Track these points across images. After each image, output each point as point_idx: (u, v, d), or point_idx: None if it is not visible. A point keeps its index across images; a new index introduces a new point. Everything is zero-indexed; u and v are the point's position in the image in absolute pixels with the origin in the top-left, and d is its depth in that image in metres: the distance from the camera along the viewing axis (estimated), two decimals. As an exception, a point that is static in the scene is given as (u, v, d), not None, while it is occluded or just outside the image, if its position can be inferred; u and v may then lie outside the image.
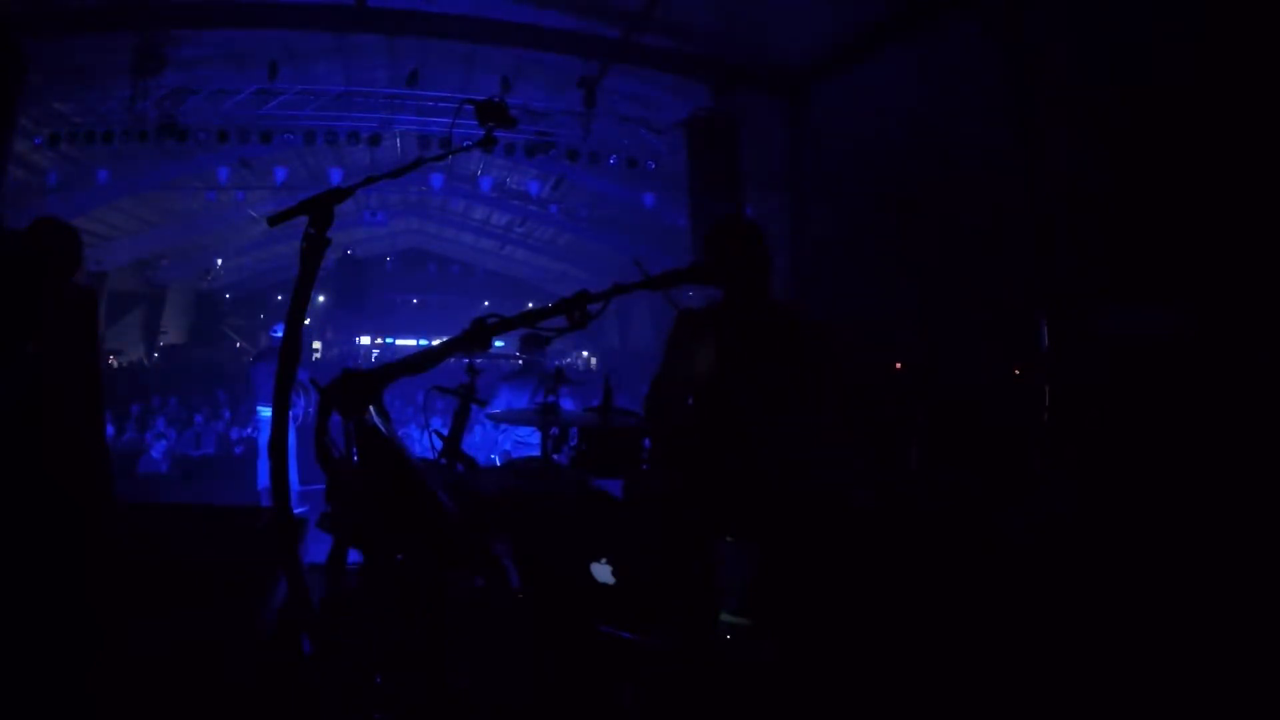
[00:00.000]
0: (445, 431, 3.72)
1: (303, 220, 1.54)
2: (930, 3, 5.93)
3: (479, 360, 3.88)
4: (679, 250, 10.94)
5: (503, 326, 1.60)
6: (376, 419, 1.54)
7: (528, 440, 5.71)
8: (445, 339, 1.61)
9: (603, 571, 2.20)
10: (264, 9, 7.73)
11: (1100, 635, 2.91)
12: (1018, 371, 6.04)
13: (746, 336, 3.01)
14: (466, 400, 3.84)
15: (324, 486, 1.66)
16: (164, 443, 10.50)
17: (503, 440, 6.18)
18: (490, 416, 4.42)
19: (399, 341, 25.59)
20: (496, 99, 1.91)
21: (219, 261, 18.12)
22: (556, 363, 5.28)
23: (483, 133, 1.92)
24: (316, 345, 18.96)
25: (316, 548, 2.10)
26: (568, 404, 5.47)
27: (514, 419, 6.19)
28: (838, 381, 3.13)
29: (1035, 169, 5.35)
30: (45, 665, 1.40)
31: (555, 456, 4.08)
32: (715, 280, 3.16)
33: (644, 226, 13.84)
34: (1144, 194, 4.93)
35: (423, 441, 5.02)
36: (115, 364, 15.91)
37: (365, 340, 26.08)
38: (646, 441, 4.10)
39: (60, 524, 1.49)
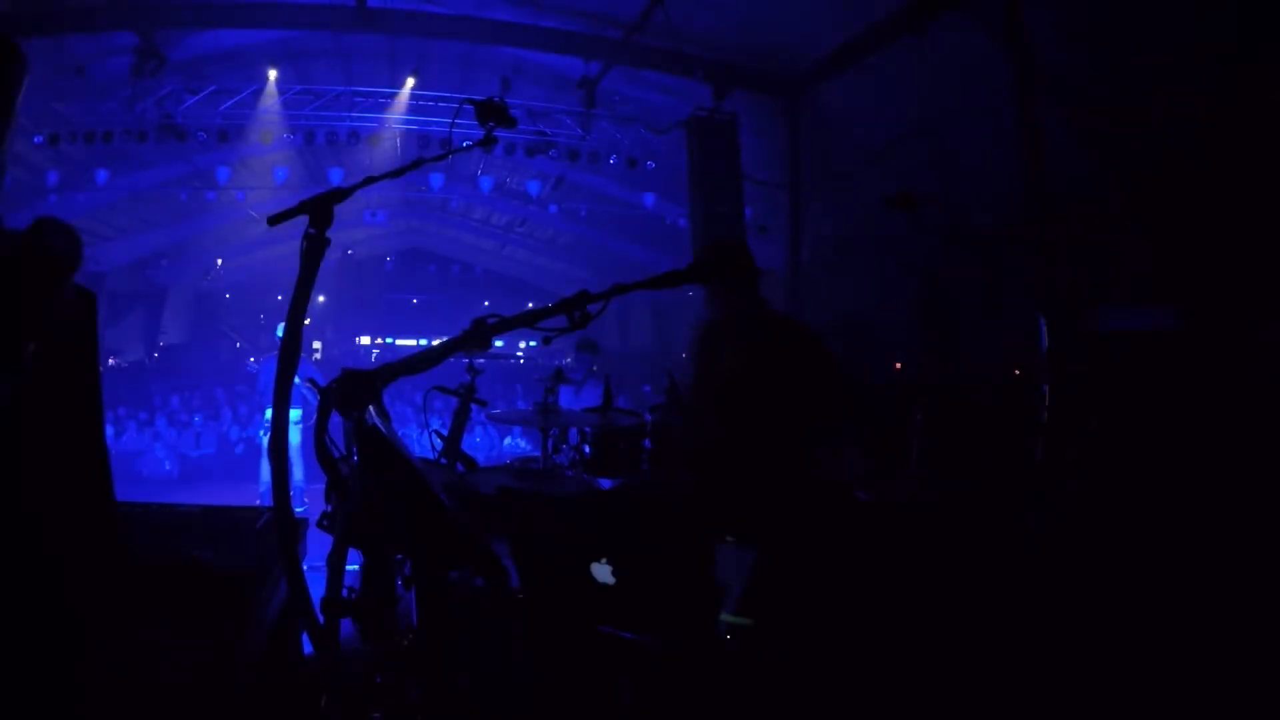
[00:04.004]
0: (445, 431, 3.72)
1: (303, 220, 1.53)
2: (930, 3, 5.93)
3: (479, 360, 3.88)
4: (679, 250, 10.94)
5: (503, 326, 1.60)
6: (376, 419, 1.54)
7: None
8: (445, 339, 1.61)
9: (603, 571, 2.20)
10: (264, 9, 7.73)
11: (1106, 631, 2.91)
12: (1018, 371, 6.04)
13: (749, 348, 3.06)
14: (466, 400, 3.84)
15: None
16: (163, 443, 10.51)
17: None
18: (490, 417, 4.42)
19: (399, 341, 25.58)
20: (496, 99, 1.91)
21: (219, 261, 18.09)
22: (556, 363, 5.29)
23: (483, 133, 1.92)
24: (317, 345, 18.93)
25: (316, 548, 2.10)
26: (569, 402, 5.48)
27: (513, 419, 6.17)
28: (837, 390, 3.17)
29: (1035, 168, 5.35)
30: (41, 667, 1.39)
31: (556, 457, 4.08)
32: (713, 281, 3.21)
33: (644, 226, 13.83)
34: (1143, 193, 4.93)
35: (423, 441, 5.02)
36: (115, 364, 15.91)
37: (365, 340, 26.08)
38: (647, 442, 4.10)
39: (59, 526, 1.49)
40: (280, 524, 1.48)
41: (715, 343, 3.27)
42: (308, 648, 1.58)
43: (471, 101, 1.92)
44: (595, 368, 6.15)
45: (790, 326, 3.23)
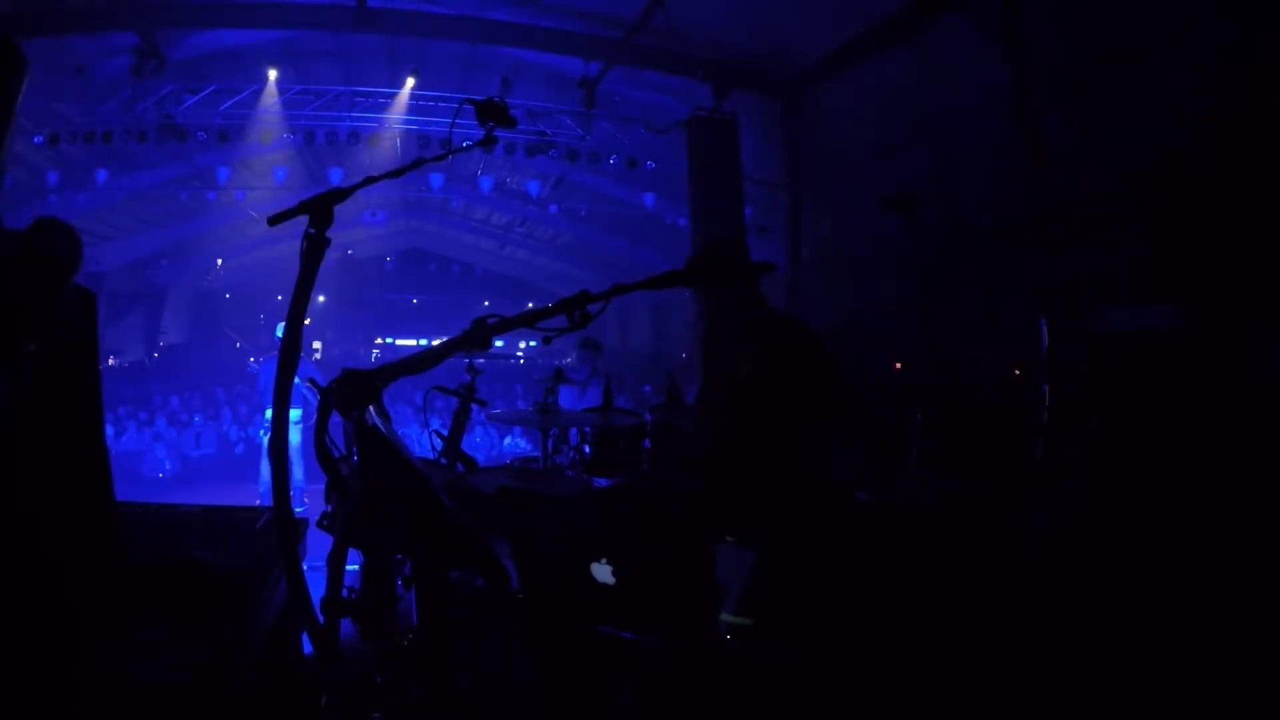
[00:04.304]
0: (445, 431, 3.72)
1: (303, 220, 1.53)
2: (929, 4, 5.92)
3: (479, 360, 3.88)
4: (679, 250, 10.94)
5: (503, 326, 1.60)
6: (376, 419, 1.54)
7: None
8: (445, 339, 1.61)
9: (603, 571, 2.20)
10: (264, 9, 7.73)
11: (1106, 631, 2.91)
12: (1017, 371, 6.04)
13: (758, 348, 3.02)
14: (466, 400, 3.84)
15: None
16: (163, 443, 10.52)
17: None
18: (490, 417, 4.42)
19: (399, 341, 25.57)
20: (496, 99, 1.91)
21: (219, 261, 18.10)
22: (557, 363, 5.30)
23: (483, 133, 1.92)
24: (317, 345, 18.94)
25: (316, 548, 2.10)
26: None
27: (513, 419, 6.17)
28: (837, 389, 3.13)
29: (1035, 168, 5.35)
30: (41, 667, 1.39)
31: (556, 457, 4.09)
32: (714, 280, 3.19)
33: (644, 226, 13.84)
34: (1143, 193, 4.93)
35: (423, 441, 5.03)
36: (115, 364, 15.91)
37: (365, 340, 26.06)
38: (647, 442, 4.10)
39: (59, 526, 1.49)
40: (280, 524, 1.48)
41: (721, 345, 3.24)
42: (308, 648, 1.58)
43: (471, 101, 1.92)
44: (598, 366, 6.14)
45: (791, 325, 3.20)
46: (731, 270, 2.97)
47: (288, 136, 9.35)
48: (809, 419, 3.02)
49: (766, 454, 2.93)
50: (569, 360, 6.18)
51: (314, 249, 1.52)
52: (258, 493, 7.65)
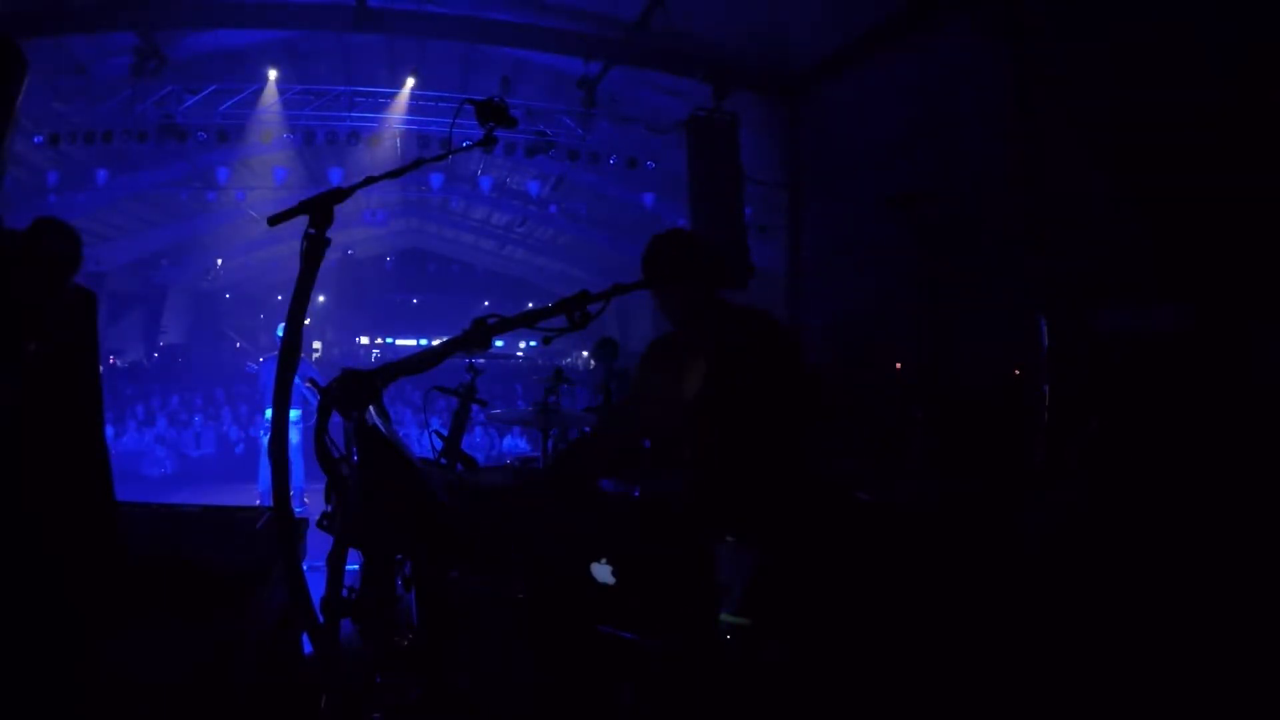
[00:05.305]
0: (445, 431, 3.72)
1: (303, 220, 1.53)
2: (930, 4, 5.92)
3: (479, 360, 3.88)
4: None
5: (503, 326, 1.60)
6: (376, 419, 1.54)
7: None
8: (445, 339, 1.61)
9: (603, 571, 2.20)
10: (264, 9, 7.73)
11: (1106, 631, 2.91)
12: (1017, 371, 6.03)
13: (696, 351, 2.84)
14: (467, 400, 3.84)
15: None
16: (163, 443, 10.53)
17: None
18: (490, 417, 4.42)
19: (399, 341, 25.60)
20: (496, 99, 1.91)
21: (219, 261, 18.11)
22: (556, 363, 5.30)
23: (483, 133, 1.92)
24: (317, 345, 18.94)
25: (316, 548, 2.10)
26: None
27: (513, 419, 6.17)
28: (816, 388, 2.99)
29: (1035, 167, 5.35)
30: (39, 667, 1.39)
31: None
32: (716, 280, 3.16)
33: (644, 226, 13.84)
34: (1143, 192, 4.93)
35: (423, 441, 5.03)
36: (115, 364, 15.91)
37: (365, 340, 26.08)
38: (646, 442, 4.09)
39: (59, 526, 1.49)
40: (280, 524, 1.48)
41: (678, 346, 3.00)
42: (308, 648, 1.58)
43: (471, 101, 1.92)
44: (613, 367, 6.05)
45: (749, 320, 2.94)
46: (736, 269, 2.92)
47: (288, 136, 9.35)
48: (781, 414, 2.90)
49: (759, 456, 2.87)
50: (569, 360, 6.17)
51: (314, 249, 1.52)
52: (258, 493, 7.65)
